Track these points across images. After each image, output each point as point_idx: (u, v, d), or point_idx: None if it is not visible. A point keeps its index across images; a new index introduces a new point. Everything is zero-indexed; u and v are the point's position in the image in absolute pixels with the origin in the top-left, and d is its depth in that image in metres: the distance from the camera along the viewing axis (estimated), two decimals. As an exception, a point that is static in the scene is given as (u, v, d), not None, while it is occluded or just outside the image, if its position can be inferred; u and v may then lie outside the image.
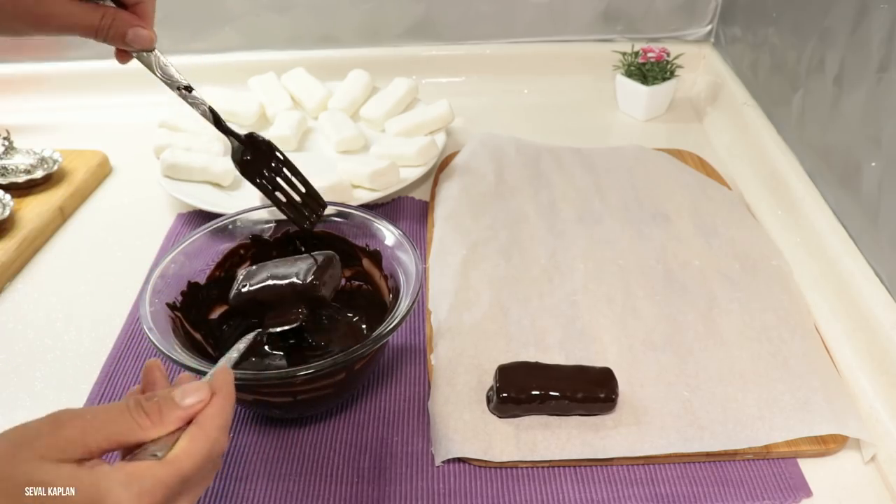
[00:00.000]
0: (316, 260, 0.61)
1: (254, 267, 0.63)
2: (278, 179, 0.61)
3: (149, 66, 0.54)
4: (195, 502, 0.39)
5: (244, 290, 0.60)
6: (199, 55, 1.11)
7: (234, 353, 0.50)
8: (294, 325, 0.59)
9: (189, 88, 0.55)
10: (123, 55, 0.54)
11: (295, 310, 0.59)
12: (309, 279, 0.59)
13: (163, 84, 0.56)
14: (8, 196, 0.82)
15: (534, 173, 0.90)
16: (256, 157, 0.60)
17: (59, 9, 0.48)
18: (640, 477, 0.57)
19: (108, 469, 0.35)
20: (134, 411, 0.38)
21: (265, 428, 0.61)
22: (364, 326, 0.67)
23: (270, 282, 0.60)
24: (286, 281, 0.59)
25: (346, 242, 0.67)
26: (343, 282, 0.69)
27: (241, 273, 0.62)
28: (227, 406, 0.40)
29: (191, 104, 0.56)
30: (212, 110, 0.56)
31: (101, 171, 0.95)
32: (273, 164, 0.60)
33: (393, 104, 0.99)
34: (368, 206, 0.81)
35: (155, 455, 0.36)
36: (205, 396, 0.39)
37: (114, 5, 0.51)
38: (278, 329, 0.59)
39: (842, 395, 0.61)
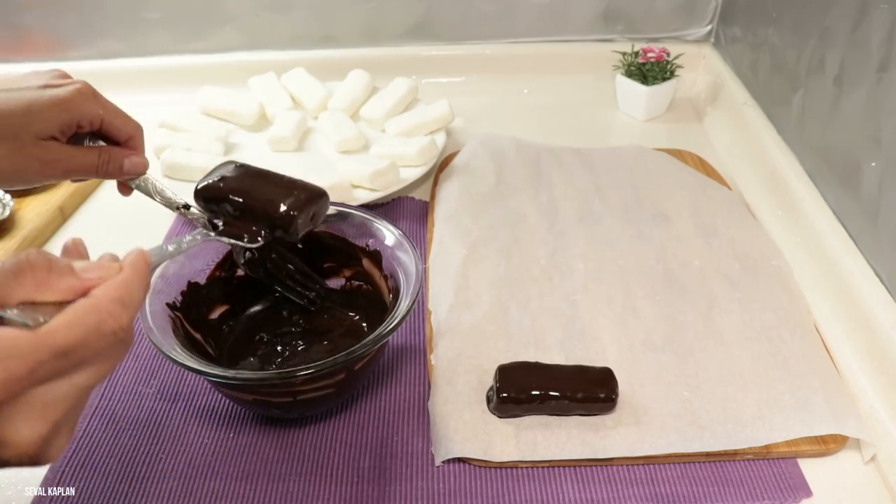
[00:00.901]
0: (304, 192, 0.58)
1: (239, 164, 0.59)
2: (282, 270, 0.65)
3: (148, 193, 0.58)
4: (95, 381, 0.35)
5: (217, 184, 0.57)
6: (199, 55, 1.10)
7: (170, 246, 0.49)
8: (247, 245, 0.57)
9: (187, 206, 0.58)
10: (125, 188, 0.58)
11: (256, 228, 0.56)
12: (285, 209, 0.56)
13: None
14: (8, 196, 0.82)
15: (534, 173, 0.90)
16: (259, 254, 0.63)
17: (62, 154, 0.52)
18: (640, 477, 0.57)
19: None
20: (13, 269, 0.33)
21: (265, 428, 0.61)
22: (364, 326, 0.67)
23: (248, 188, 0.57)
24: (264, 198, 0.56)
25: (346, 242, 0.67)
26: (343, 282, 0.69)
27: (224, 165, 0.59)
28: (132, 279, 0.36)
29: (192, 220, 0.59)
30: (211, 222, 0.58)
31: (101, 171, 0.95)
32: (273, 256, 0.64)
33: (393, 104, 0.99)
34: (368, 206, 0.81)
35: (27, 323, 0.32)
36: (108, 274, 0.36)
37: (105, 143, 0.55)
38: (226, 239, 0.56)
39: (842, 395, 0.61)
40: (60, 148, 0.52)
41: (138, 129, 0.57)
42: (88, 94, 0.53)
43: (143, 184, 0.58)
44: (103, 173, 0.55)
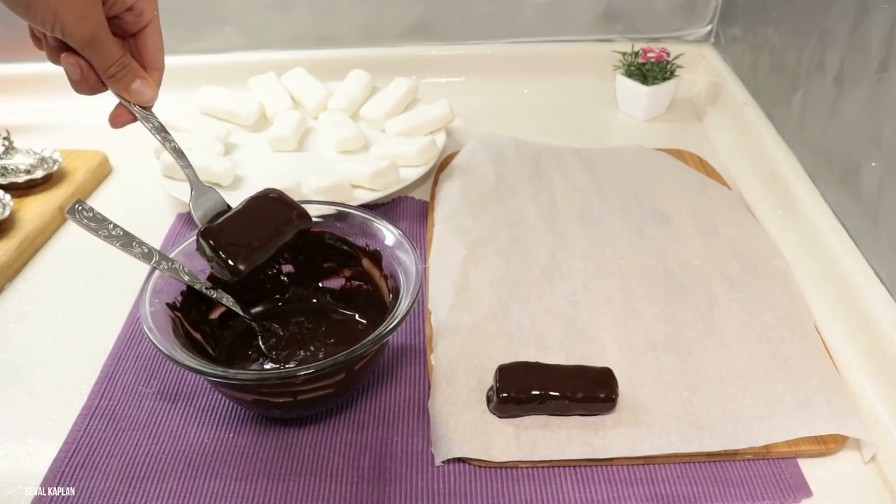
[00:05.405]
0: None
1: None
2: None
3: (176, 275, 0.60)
4: None
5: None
6: (199, 55, 1.10)
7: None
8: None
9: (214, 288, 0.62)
10: (121, 116, 0.60)
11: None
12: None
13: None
14: (8, 196, 0.82)
15: (534, 173, 0.90)
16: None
17: (98, 15, 0.51)
18: (640, 477, 0.57)
19: None
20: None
21: (265, 428, 0.61)
22: (364, 326, 0.67)
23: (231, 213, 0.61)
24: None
25: (346, 242, 0.67)
26: (343, 282, 0.69)
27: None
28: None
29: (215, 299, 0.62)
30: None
31: (101, 171, 0.95)
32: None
33: (393, 104, 0.99)
34: (368, 206, 0.81)
35: None
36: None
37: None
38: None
39: (842, 394, 0.61)
40: (101, 9, 0.50)
41: (162, 65, 0.58)
42: None
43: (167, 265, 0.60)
44: (110, 76, 0.53)
